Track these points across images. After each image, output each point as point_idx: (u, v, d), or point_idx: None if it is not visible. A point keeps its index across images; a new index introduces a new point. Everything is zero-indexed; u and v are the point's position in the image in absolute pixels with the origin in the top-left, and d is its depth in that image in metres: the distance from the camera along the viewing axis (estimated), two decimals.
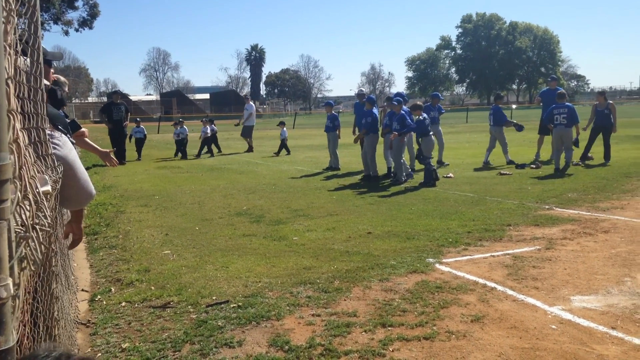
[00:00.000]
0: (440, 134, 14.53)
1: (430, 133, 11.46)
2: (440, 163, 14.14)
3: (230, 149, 21.10)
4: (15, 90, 1.17)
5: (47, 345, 0.84)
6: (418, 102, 12.36)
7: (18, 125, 1.07)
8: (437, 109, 14.77)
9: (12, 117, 0.94)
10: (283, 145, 18.93)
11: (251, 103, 21.24)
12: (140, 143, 18.39)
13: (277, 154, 18.72)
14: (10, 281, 0.89)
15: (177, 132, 18.77)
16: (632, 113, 45.40)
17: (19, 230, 0.98)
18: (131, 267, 5.85)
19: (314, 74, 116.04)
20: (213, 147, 19.52)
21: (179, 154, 18.65)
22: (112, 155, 5.67)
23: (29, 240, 1.04)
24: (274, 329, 4.12)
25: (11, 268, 0.92)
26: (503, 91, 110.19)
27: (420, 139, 11.78)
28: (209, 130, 19.12)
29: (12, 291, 0.90)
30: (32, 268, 1.05)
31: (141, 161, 17.51)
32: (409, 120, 11.62)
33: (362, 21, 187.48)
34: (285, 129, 19.31)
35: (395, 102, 11.89)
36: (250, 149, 20.33)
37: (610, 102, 14.30)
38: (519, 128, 14.02)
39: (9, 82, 0.94)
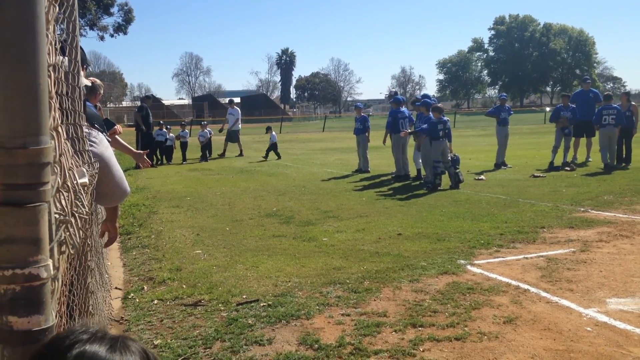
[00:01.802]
0: (508, 136, 14.53)
1: (442, 138, 11.15)
2: (503, 165, 14.03)
3: (254, 151, 20.84)
4: (55, 86, 1.21)
5: (84, 322, 0.87)
6: (439, 105, 12.16)
7: (57, 114, 1.11)
8: (507, 110, 14.90)
9: (52, 104, 0.97)
10: (272, 148, 18.66)
11: (236, 108, 20.65)
12: (160, 146, 18.31)
13: (266, 157, 18.37)
14: (50, 262, 0.92)
15: (179, 135, 18.74)
16: None
17: (59, 214, 1.01)
18: (163, 266, 5.94)
19: (344, 77, 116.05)
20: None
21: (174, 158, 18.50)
22: (145, 157, 5.79)
23: (68, 225, 1.07)
24: (304, 327, 4.13)
25: (51, 250, 0.95)
26: (537, 94, 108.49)
27: (430, 142, 11.46)
28: (208, 134, 19.06)
29: (52, 272, 0.92)
30: (71, 251, 1.08)
31: (170, 164, 17.72)
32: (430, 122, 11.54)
33: (392, 24, 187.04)
34: (274, 133, 19.08)
35: (418, 104, 12.20)
36: (241, 154, 19.92)
37: (633, 103, 14.11)
38: (565, 129, 13.78)
39: (51, 70, 0.97)
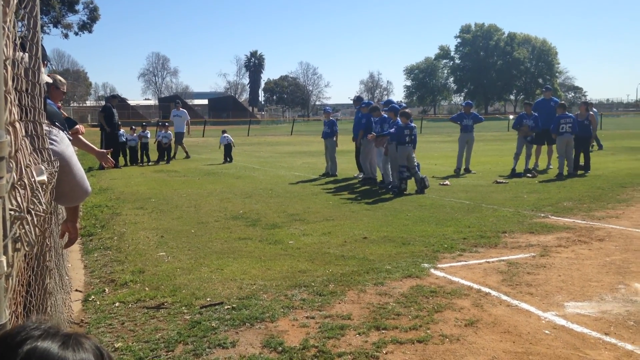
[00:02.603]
0: (472, 142, 14.68)
1: (408, 144, 11.27)
2: (467, 171, 14.25)
3: (221, 154, 20.40)
4: (13, 81, 1.18)
5: (37, 318, 0.85)
6: (407, 110, 12.28)
7: (15, 110, 1.08)
8: (472, 117, 15.04)
9: (9, 98, 0.95)
10: (227, 150, 18.47)
11: (183, 110, 20.19)
12: (124, 147, 17.79)
13: (230, 160, 18.22)
14: (4, 259, 0.90)
15: (140, 135, 18.34)
16: (628, 125, 45.61)
17: (14, 211, 0.99)
18: (125, 268, 5.85)
19: (313, 81, 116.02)
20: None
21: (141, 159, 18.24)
22: (109, 156, 5.69)
23: (24, 222, 1.04)
24: (268, 330, 4.11)
25: (5, 247, 0.93)
26: (501, 101, 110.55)
27: (397, 147, 11.52)
28: (170, 136, 18.79)
29: (5, 269, 0.90)
30: (27, 249, 1.06)
31: (135, 165, 17.43)
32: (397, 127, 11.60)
33: (361, 29, 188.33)
34: (226, 134, 18.77)
35: (386, 109, 12.27)
36: (187, 156, 19.60)
37: (591, 113, 14.61)
38: (527, 137, 14.10)
39: (7, 63, 0.95)
